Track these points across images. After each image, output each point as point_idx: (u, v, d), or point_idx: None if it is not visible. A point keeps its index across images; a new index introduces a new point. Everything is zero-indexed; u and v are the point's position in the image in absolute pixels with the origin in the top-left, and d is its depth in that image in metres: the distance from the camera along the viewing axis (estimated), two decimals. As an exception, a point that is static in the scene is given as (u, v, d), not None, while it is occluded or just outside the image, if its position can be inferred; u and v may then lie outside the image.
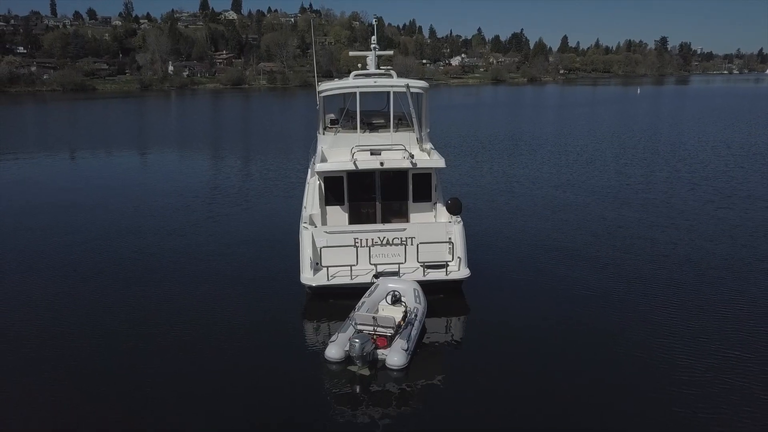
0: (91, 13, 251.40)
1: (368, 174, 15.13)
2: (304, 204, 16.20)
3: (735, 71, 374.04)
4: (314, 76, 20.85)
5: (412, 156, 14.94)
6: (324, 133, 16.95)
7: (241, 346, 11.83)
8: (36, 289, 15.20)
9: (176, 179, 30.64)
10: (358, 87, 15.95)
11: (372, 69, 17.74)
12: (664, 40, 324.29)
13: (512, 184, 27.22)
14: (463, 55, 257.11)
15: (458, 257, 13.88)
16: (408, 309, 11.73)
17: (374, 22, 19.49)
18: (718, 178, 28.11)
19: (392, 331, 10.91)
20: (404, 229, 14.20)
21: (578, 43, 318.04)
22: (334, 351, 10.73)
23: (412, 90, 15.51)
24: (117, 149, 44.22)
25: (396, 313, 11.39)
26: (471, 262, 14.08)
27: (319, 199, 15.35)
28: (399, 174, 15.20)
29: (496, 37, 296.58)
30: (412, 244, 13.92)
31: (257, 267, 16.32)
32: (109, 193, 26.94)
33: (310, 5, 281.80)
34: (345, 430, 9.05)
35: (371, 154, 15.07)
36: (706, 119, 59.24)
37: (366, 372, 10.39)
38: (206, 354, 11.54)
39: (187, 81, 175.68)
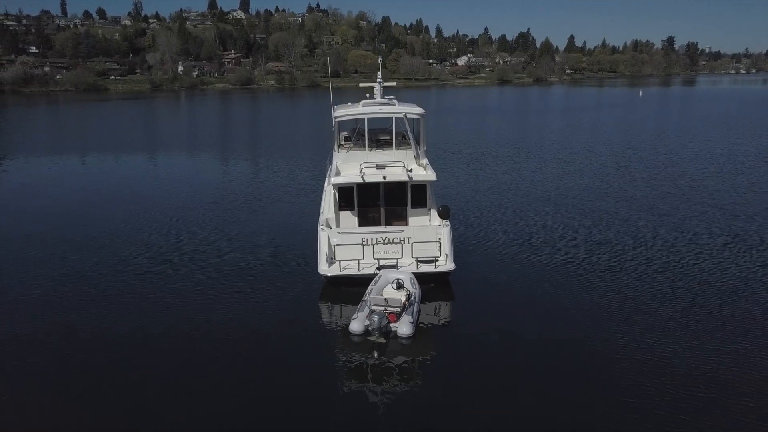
0: (101, 13, 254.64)
1: (374, 185, 17.87)
2: (322, 209, 18.95)
3: (742, 71, 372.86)
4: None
5: (410, 170, 17.71)
6: (338, 151, 19.77)
7: (272, 326, 14.43)
8: (60, 288, 17.13)
9: (195, 184, 32.65)
10: (366, 114, 18.88)
11: (378, 98, 20.48)
12: (671, 40, 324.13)
13: (502, 192, 29.26)
14: (469, 55, 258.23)
15: (446, 253, 16.65)
16: (409, 293, 14.61)
17: (380, 60, 21.75)
18: (692, 186, 29.82)
19: (399, 310, 13.81)
20: (402, 231, 16.96)
21: (585, 42, 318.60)
22: (356, 326, 13.58)
23: (410, 116, 18.71)
24: (139, 153, 46.45)
25: (401, 296, 14.28)
26: (457, 258, 16.81)
27: (334, 205, 18.23)
28: (399, 185, 17.95)
29: (503, 37, 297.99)
30: (408, 243, 16.68)
31: (281, 261, 19.00)
32: (133, 197, 29.09)
33: (318, 5, 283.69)
34: (367, 386, 11.82)
35: (377, 168, 17.76)
36: (699, 127, 60.23)
37: (382, 340, 13.32)
38: (241, 334, 14.03)
39: (196, 81, 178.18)
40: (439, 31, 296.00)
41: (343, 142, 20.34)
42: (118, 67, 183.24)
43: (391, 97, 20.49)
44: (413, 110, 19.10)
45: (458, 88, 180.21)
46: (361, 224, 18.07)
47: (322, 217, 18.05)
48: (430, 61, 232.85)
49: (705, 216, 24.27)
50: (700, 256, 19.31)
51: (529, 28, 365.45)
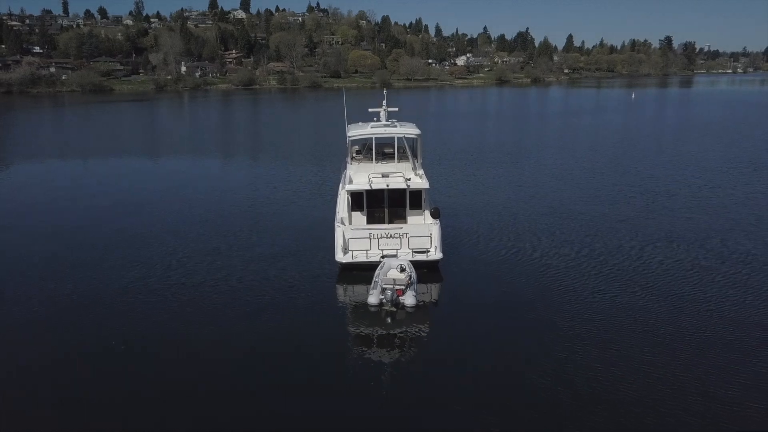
0: (102, 12, 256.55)
1: (380, 191, 21.62)
2: (337, 209, 22.97)
3: (739, 70, 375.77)
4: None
5: (408, 180, 21.50)
6: (351, 163, 23.83)
7: (300, 302, 18.09)
8: (93, 271, 20.20)
9: (215, 188, 35.44)
10: (373, 134, 23.30)
11: (383, 121, 24.39)
12: (668, 39, 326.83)
13: (487, 196, 32.48)
14: (468, 55, 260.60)
15: (435, 246, 20.50)
16: (410, 275, 18.26)
17: (384, 92, 25.26)
18: (655, 191, 32.86)
19: (404, 287, 17.51)
20: (401, 228, 20.70)
21: (583, 42, 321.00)
22: (372, 299, 17.38)
23: (408, 136, 23.31)
24: (154, 157, 49.40)
25: (404, 277, 17.90)
26: (444, 249, 20.72)
27: (347, 207, 22.06)
28: (400, 192, 21.76)
29: (502, 36, 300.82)
30: (406, 237, 20.44)
31: (303, 252, 22.86)
32: (165, 198, 32.31)
33: (318, 4, 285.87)
34: (382, 344, 15.68)
35: (382, 177, 21.63)
36: (681, 133, 62.12)
37: (393, 309, 17.24)
38: (275, 310, 17.61)
39: (200, 81, 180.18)
40: (438, 30, 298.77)
41: (354, 155, 24.40)
42: (121, 67, 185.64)
43: (394, 120, 24.45)
44: (411, 131, 23.29)
45: (457, 89, 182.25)
46: (369, 222, 21.89)
47: (338, 216, 21.94)
48: (430, 61, 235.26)
49: (661, 211, 27.85)
50: (670, 247, 22.40)
51: (528, 28, 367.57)
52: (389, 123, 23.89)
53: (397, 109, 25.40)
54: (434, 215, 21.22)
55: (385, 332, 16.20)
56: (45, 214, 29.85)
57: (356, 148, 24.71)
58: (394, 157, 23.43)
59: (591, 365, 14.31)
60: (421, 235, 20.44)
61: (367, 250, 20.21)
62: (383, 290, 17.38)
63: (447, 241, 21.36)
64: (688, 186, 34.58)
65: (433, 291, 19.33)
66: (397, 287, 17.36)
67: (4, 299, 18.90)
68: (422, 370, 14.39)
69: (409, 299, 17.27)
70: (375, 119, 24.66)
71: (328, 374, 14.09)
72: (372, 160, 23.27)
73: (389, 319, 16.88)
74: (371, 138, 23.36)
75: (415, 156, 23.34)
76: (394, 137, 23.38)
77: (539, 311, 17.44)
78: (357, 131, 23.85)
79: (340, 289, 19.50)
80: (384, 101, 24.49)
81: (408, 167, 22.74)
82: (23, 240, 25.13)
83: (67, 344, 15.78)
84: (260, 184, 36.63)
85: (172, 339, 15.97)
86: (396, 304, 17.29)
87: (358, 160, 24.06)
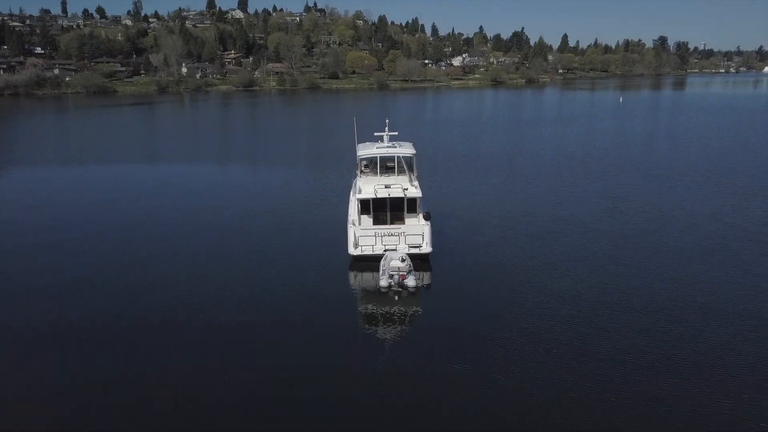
0: (101, 12, 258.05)
1: (383, 199, 26.30)
2: (349, 213, 27.86)
3: (732, 69, 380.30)
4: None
5: (406, 189, 26.29)
6: (360, 176, 28.58)
7: (321, 287, 22.65)
8: (114, 263, 24.20)
9: (230, 193, 38.82)
10: (378, 153, 28.46)
11: (386, 143, 28.98)
12: (662, 39, 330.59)
13: (471, 201, 36.34)
14: (464, 55, 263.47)
15: (426, 242, 25.12)
16: (409, 264, 22.71)
17: (386, 121, 29.33)
18: (619, 197, 36.34)
19: (406, 272, 22.00)
20: (400, 228, 25.31)
21: (578, 42, 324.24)
22: (383, 282, 21.84)
23: (405, 154, 28.41)
24: (165, 162, 52.53)
25: (405, 265, 22.30)
26: (434, 245, 25.33)
27: (357, 211, 26.68)
28: (399, 199, 26.44)
29: (498, 36, 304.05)
30: (403, 235, 25.00)
31: (322, 246, 27.60)
32: (186, 201, 35.64)
33: (315, 3, 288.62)
34: (392, 318, 20.09)
35: (385, 188, 26.38)
36: (659, 141, 64.55)
37: (399, 290, 21.67)
38: (301, 290, 22.28)
39: (201, 83, 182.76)
40: (435, 29, 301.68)
41: (363, 169, 29.03)
42: (123, 68, 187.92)
43: (392, 143, 29.07)
44: (408, 151, 28.43)
45: (453, 91, 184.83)
46: (374, 223, 26.37)
47: (350, 219, 26.74)
48: (426, 61, 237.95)
49: (614, 210, 31.05)
50: (645, 245, 25.92)
51: (523, 27, 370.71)
52: (390, 144, 28.73)
53: (397, 132, 29.87)
54: (426, 218, 25.66)
55: (393, 308, 20.63)
56: (56, 219, 33.16)
57: (364, 163, 29.35)
58: (394, 171, 28.31)
59: (566, 330, 18.46)
60: (416, 233, 24.95)
61: (373, 246, 24.85)
62: (390, 276, 21.79)
63: (436, 238, 25.83)
64: (648, 190, 37.95)
65: (425, 277, 23.96)
66: (400, 273, 21.86)
67: (12, 306, 21.30)
68: (424, 335, 18.80)
69: (411, 282, 21.72)
70: (379, 141, 29.47)
71: (349, 343, 18.10)
72: (377, 173, 28.06)
73: (396, 297, 21.45)
74: (376, 156, 28.35)
75: (411, 170, 28.42)
76: (394, 156, 28.41)
77: (511, 291, 21.98)
78: (365, 151, 28.70)
79: (352, 276, 24.22)
80: (386, 128, 29.17)
81: (406, 179, 27.68)
82: (39, 247, 27.98)
83: (78, 354, 17.70)
84: (275, 191, 40.03)
85: (215, 305, 20.72)
86: (401, 286, 21.78)
87: (366, 173, 28.73)
